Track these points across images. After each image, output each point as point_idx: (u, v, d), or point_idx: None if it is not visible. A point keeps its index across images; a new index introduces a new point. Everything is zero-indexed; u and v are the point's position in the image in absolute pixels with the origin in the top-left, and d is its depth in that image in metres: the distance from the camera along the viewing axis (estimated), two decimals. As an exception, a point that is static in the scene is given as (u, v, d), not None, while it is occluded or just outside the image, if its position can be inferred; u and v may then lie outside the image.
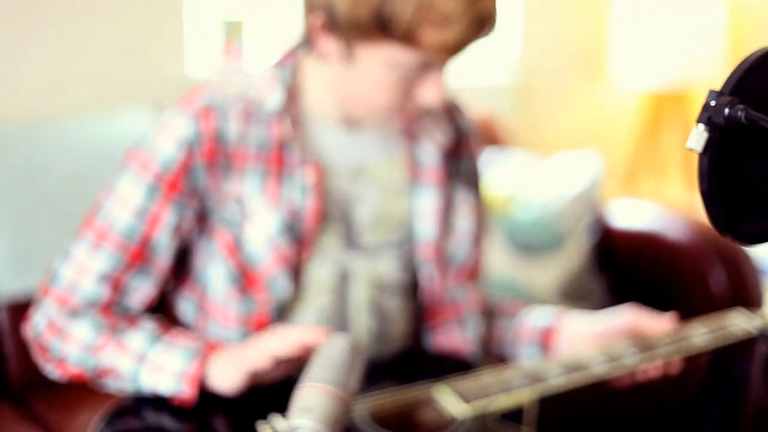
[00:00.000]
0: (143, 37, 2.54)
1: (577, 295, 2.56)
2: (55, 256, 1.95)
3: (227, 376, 1.31)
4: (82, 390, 1.83)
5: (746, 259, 2.43)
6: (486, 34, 1.32)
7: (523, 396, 1.30)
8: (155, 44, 2.57)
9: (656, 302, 2.52)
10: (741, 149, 0.92)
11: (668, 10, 3.25)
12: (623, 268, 2.63)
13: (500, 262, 2.51)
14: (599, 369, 1.37)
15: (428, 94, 1.36)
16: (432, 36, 1.28)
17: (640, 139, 3.49)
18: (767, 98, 0.95)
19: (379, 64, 1.32)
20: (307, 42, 1.40)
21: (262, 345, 1.30)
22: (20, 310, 1.98)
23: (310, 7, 1.35)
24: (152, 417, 1.34)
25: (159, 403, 1.34)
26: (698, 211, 0.99)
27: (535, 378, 1.33)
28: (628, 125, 3.56)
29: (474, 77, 3.16)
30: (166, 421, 1.33)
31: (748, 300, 2.39)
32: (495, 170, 2.64)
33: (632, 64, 3.32)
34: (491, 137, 2.77)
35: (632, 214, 2.65)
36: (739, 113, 0.89)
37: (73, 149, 2.16)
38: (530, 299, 2.48)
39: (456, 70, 1.44)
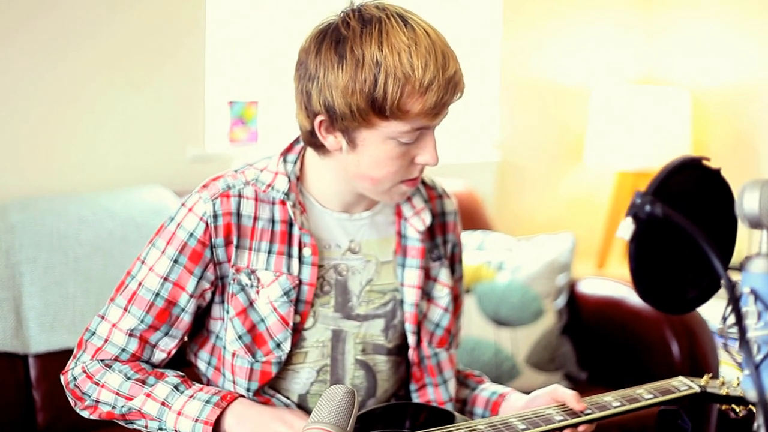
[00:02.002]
0: (162, 122, 2.79)
1: (548, 365, 2.73)
2: (79, 315, 2.16)
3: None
4: (104, 433, 2.03)
5: (704, 328, 2.64)
6: (459, 94, 1.55)
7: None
8: (174, 128, 2.82)
9: (620, 367, 2.72)
10: (660, 237, 1.15)
11: (639, 103, 3.48)
12: (590, 335, 2.83)
13: (477, 327, 2.66)
14: (558, 423, 1.57)
15: (425, 154, 1.57)
16: (417, 104, 1.50)
17: (611, 220, 3.65)
18: (683, 197, 1.19)
19: (380, 142, 1.54)
20: (310, 143, 1.62)
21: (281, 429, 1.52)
22: (48, 362, 2.19)
23: (310, 114, 1.56)
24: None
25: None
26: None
27: (504, 427, 1.54)
28: (601, 206, 3.73)
29: (456, 155, 3.37)
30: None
31: (704, 363, 2.59)
32: (473, 244, 2.83)
33: (606, 151, 3.51)
34: (471, 216, 2.94)
35: (600, 287, 2.85)
36: (657, 210, 1.12)
37: (97, 220, 2.35)
38: (504, 362, 2.65)
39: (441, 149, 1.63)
